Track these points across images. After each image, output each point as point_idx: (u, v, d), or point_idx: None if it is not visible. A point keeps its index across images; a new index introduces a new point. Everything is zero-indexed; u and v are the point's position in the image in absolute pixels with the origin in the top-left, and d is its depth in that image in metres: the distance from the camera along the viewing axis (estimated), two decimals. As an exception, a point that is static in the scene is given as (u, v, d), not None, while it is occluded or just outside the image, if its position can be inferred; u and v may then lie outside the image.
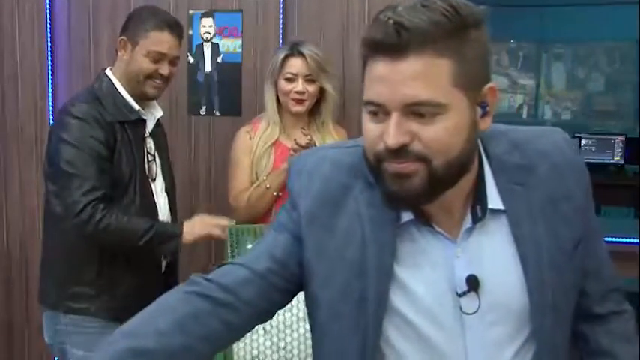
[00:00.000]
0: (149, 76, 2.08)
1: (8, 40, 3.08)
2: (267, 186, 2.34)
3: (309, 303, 1.12)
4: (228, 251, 1.81)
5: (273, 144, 2.41)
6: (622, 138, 6.05)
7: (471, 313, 1.04)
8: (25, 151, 3.10)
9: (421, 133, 0.96)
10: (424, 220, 1.06)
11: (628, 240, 3.30)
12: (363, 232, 1.06)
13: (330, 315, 1.08)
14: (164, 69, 2.09)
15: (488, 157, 1.07)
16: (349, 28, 2.84)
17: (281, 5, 2.86)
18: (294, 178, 1.13)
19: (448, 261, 1.05)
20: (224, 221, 2.08)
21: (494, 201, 1.05)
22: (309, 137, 2.31)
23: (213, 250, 2.90)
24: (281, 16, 2.86)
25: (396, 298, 1.05)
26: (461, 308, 1.04)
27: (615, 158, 6.02)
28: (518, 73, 7.02)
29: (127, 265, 2.05)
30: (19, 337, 3.16)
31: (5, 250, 3.16)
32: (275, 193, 2.34)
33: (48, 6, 3.02)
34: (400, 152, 0.96)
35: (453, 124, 0.96)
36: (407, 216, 1.05)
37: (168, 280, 2.19)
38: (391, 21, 0.93)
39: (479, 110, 1.01)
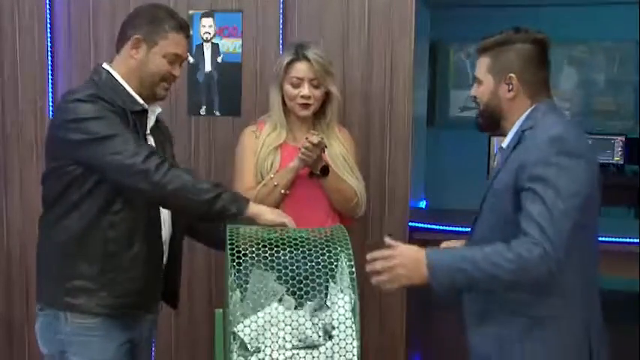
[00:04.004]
0: (164, 78, 2.03)
1: (8, 40, 3.08)
2: (275, 183, 2.34)
3: None
4: (228, 250, 1.80)
5: (280, 146, 2.41)
6: (622, 138, 6.05)
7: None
8: (25, 151, 3.10)
9: (477, 92, 1.94)
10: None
11: (628, 240, 3.31)
12: None
13: None
14: (177, 71, 2.04)
15: (519, 129, 1.84)
16: (349, 28, 2.84)
17: (281, 5, 2.86)
18: None
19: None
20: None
21: (506, 143, 1.89)
22: (321, 136, 2.30)
23: (212, 250, 2.90)
24: (281, 16, 2.86)
25: None
26: None
27: (615, 158, 6.02)
28: (518, 73, 7.00)
29: (132, 262, 1.99)
30: (19, 337, 3.17)
31: (5, 250, 3.16)
32: (283, 191, 2.34)
33: (48, 6, 3.02)
34: (474, 100, 1.96)
35: (481, 91, 1.92)
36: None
37: (168, 281, 2.17)
38: None
39: (505, 87, 1.85)
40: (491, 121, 1.91)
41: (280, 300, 1.79)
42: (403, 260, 1.73)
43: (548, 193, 1.66)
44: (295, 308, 1.78)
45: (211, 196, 1.89)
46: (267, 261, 1.78)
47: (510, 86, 1.84)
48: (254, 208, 1.94)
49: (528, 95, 1.85)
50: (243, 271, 1.79)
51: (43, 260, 2.06)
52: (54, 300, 1.99)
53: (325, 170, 2.36)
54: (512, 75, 1.83)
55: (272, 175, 2.36)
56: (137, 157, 1.86)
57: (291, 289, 1.78)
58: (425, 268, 1.70)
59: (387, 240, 1.80)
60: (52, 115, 2.11)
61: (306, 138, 2.28)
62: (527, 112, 1.84)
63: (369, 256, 1.77)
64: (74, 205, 1.95)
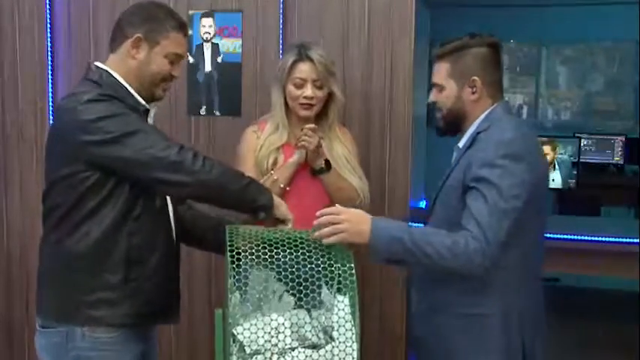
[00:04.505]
0: (164, 79, 1.96)
1: (8, 40, 3.08)
2: (275, 178, 2.35)
3: None
4: (228, 252, 1.80)
5: (282, 146, 2.42)
6: (622, 138, 6.05)
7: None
8: (25, 151, 3.10)
9: (438, 97, 2.00)
10: None
11: (628, 240, 3.30)
12: None
13: None
14: (177, 71, 1.98)
15: (475, 130, 1.92)
16: (349, 28, 2.84)
17: (281, 5, 2.86)
18: None
19: None
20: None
21: (462, 143, 1.96)
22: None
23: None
24: (281, 16, 2.86)
25: None
26: None
27: (615, 158, 6.02)
28: (518, 73, 7.02)
29: (156, 267, 1.91)
30: (19, 337, 3.17)
31: (5, 250, 3.16)
32: (282, 185, 2.35)
33: (48, 6, 3.02)
34: (434, 105, 2.02)
35: (445, 96, 1.98)
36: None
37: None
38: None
39: (469, 90, 1.94)
40: (455, 124, 2.00)
41: (280, 298, 1.79)
42: (349, 217, 1.80)
43: (491, 193, 1.75)
44: (294, 309, 1.78)
45: (243, 183, 1.88)
46: (267, 262, 1.78)
47: (474, 89, 1.93)
48: (275, 199, 1.94)
49: (490, 96, 1.95)
50: (243, 273, 1.79)
51: (52, 275, 1.91)
52: (71, 315, 1.87)
53: (327, 165, 2.37)
54: (475, 78, 1.92)
55: (272, 172, 2.38)
56: (170, 149, 1.81)
57: (290, 290, 1.78)
58: (368, 231, 1.78)
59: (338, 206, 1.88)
60: (56, 121, 1.97)
61: (302, 129, 2.34)
62: (485, 114, 1.94)
63: (318, 213, 1.83)
64: (92, 213, 1.84)
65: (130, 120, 1.84)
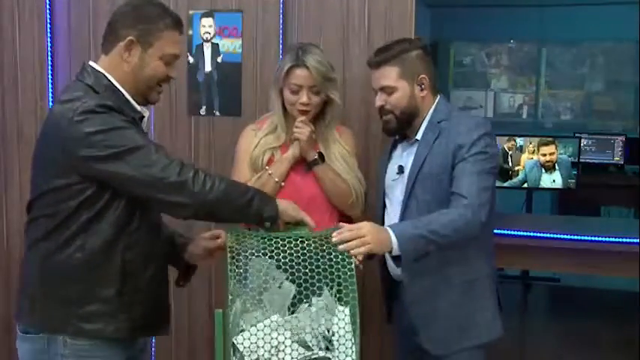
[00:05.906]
0: (160, 81, 1.87)
1: (8, 40, 3.08)
2: (270, 172, 2.36)
3: None
4: (228, 254, 1.80)
5: (280, 147, 2.43)
6: (622, 138, 6.05)
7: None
8: (25, 151, 3.10)
9: (388, 100, 2.17)
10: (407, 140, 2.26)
11: (628, 240, 3.30)
12: None
13: None
14: (173, 72, 1.89)
15: (431, 121, 2.17)
16: (349, 28, 2.84)
17: (281, 5, 2.86)
18: None
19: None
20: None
21: (420, 135, 2.18)
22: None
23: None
24: (281, 16, 2.86)
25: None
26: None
27: (615, 158, 6.02)
28: (518, 73, 7.02)
29: (150, 282, 1.87)
30: (19, 337, 3.16)
31: (5, 250, 3.17)
32: (277, 180, 2.36)
33: (48, 6, 3.02)
34: (382, 109, 2.19)
35: (398, 97, 2.15)
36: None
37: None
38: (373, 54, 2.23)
39: (418, 87, 2.16)
40: (407, 123, 2.20)
41: (281, 286, 1.80)
42: (370, 229, 1.86)
43: (477, 158, 2.04)
44: (294, 306, 1.78)
45: (247, 198, 1.82)
46: (267, 251, 1.79)
47: (422, 86, 2.17)
48: (280, 205, 1.88)
49: (432, 90, 2.21)
50: (244, 267, 1.80)
51: (40, 286, 1.83)
52: (59, 327, 1.81)
53: (320, 157, 2.39)
54: (424, 76, 2.16)
55: (267, 167, 2.39)
56: (170, 169, 1.74)
57: (290, 277, 1.80)
58: (392, 239, 1.88)
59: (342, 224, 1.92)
60: (49, 127, 1.83)
61: (299, 119, 2.37)
62: (433, 106, 2.20)
63: (336, 231, 1.83)
64: (86, 226, 1.77)
65: (130, 135, 1.74)
